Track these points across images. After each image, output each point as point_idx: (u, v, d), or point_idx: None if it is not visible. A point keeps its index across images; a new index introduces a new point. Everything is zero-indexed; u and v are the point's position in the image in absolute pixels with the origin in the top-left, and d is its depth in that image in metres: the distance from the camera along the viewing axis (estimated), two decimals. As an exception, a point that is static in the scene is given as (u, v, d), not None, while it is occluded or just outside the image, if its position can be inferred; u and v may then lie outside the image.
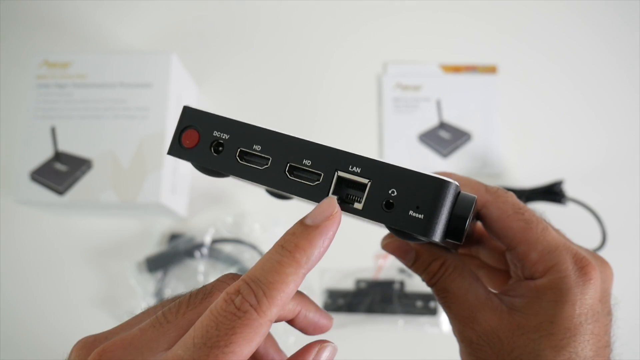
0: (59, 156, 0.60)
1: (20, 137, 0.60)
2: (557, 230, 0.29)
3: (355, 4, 0.77)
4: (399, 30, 0.76)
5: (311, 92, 0.74)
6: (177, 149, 0.24)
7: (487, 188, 0.28)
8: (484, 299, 0.27)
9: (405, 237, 0.22)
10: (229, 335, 0.19)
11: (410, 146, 0.71)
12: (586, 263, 0.26)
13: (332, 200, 0.22)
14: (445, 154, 0.70)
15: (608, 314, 0.27)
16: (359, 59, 0.75)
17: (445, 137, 0.70)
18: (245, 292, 0.20)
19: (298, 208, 0.31)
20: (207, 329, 0.19)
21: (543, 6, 0.76)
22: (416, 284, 0.65)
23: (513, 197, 0.28)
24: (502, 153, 0.70)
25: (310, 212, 0.22)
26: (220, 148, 0.24)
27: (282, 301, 0.20)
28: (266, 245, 0.64)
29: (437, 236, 0.21)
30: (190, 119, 0.25)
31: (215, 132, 0.24)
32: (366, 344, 0.64)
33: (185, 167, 0.66)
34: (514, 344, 0.25)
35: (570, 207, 0.65)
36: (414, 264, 0.29)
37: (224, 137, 0.24)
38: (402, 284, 0.65)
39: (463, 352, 0.28)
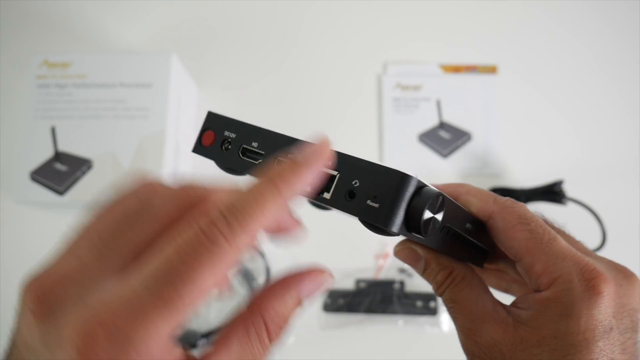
0: (59, 156, 0.60)
1: (20, 137, 0.60)
2: (575, 242, 0.28)
3: (355, 4, 0.77)
4: (399, 30, 0.76)
5: (311, 92, 0.74)
6: (198, 147, 0.28)
7: (495, 199, 0.28)
8: (490, 311, 0.26)
9: (376, 231, 0.23)
10: (194, 267, 0.17)
11: (410, 146, 0.71)
12: (595, 275, 0.24)
13: (326, 141, 0.21)
14: (445, 154, 0.70)
15: (628, 330, 0.25)
16: (359, 59, 0.75)
17: (445, 137, 0.70)
18: (219, 222, 0.18)
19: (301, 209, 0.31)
20: (168, 259, 0.17)
21: (543, 6, 0.76)
22: (416, 284, 0.65)
23: (522, 208, 0.27)
24: (502, 153, 0.70)
25: (304, 150, 0.20)
26: (229, 146, 0.27)
27: (256, 232, 0.19)
28: (266, 245, 0.64)
29: (394, 226, 0.22)
30: (210, 121, 0.28)
31: (225, 132, 0.27)
32: (366, 344, 0.64)
33: (185, 167, 0.66)
34: (515, 359, 0.24)
35: (570, 207, 0.65)
36: (424, 272, 0.29)
37: (231, 136, 0.27)
38: (402, 284, 0.65)
39: None
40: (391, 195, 0.21)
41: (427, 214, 0.22)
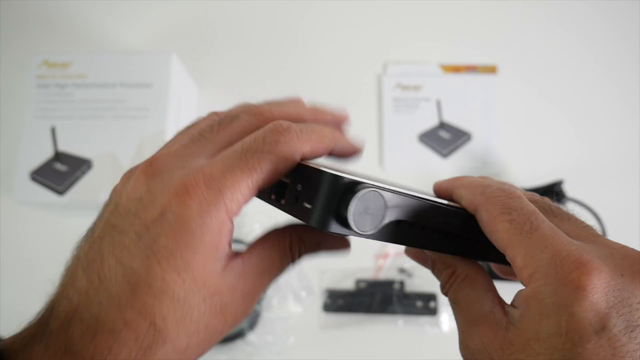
0: (59, 156, 0.60)
1: (21, 137, 0.60)
2: (581, 227, 0.26)
3: (355, 4, 0.77)
4: (399, 31, 0.76)
5: (311, 92, 0.74)
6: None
7: (484, 190, 0.25)
8: (486, 312, 0.24)
9: (332, 233, 0.24)
10: (272, 147, 0.23)
11: (410, 146, 0.71)
12: (577, 266, 0.21)
13: (359, 144, 0.28)
14: (445, 154, 0.70)
15: (628, 330, 0.20)
16: (359, 59, 0.75)
17: (445, 137, 0.70)
18: (294, 126, 0.24)
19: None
20: (255, 139, 0.23)
21: (543, 6, 0.76)
22: (416, 284, 0.65)
23: (510, 197, 0.25)
24: (502, 153, 0.70)
25: (346, 139, 0.28)
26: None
27: (313, 146, 0.24)
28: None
29: (326, 226, 0.22)
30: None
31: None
32: (366, 344, 0.64)
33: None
34: None
35: (570, 207, 0.65)
36: (433, 271, 0.28)
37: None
38: (402, 284, 0.65)
39: None
40: (317, 194, 0.22)
41: (356, 210, 0.22)
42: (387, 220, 0.23)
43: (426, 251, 0.28)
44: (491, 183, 0.26)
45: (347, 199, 0.22)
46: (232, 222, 0.23)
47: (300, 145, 0.24)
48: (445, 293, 0.27)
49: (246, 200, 0.23)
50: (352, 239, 0.27)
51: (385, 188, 0.23)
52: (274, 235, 0.26)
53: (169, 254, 0.21)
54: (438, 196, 0.28)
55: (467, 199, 0.26)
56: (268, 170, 0.23)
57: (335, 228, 0.22)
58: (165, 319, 0.21)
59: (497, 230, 0.24)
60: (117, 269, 0.22)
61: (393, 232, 0.25)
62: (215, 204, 0.22)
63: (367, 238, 0.24)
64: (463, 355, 0.24)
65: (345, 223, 0.22)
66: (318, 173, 0.22)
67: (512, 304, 0.24)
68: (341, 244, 0.28)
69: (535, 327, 0.21)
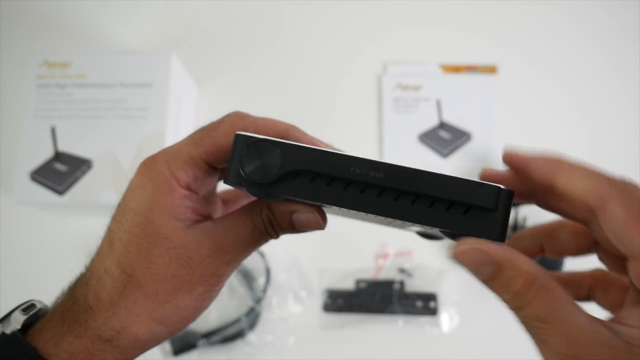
0: (59, 156, 0.60)
1: (20, 137, 0.60)
2: None
3: (355, 4, 0.77)
4: (399, 30, 0.76)
5: (311, 92, 0.74)
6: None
7: (611, 181, 0.23)
8: (590, 331, 0.21)
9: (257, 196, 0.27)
10: (216, 124, 0.27)
11: (410, 146, 0.71)
12: None
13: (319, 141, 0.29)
14: (445, 154, 0.70)
15: None
16: (359, 59, 0.75)
17: (445, 137, 0.70)
18: (242, 112, 0.29)
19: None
20: (210, 122, 0.28)
21: (543, 7, 0.76)
22: (416, 284, 0.65)
23: None
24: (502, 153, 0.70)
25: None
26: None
27: (259, 131, 0.27)
28: (266, 245, 0.64)
29: (233, 181, 0.25)
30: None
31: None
32: (366, 344, 0.64)
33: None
34: None
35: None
36: (494, 280, 0.23)
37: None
38: (402, 284, 0.65)
39: None
40: (232, 154, 0.25)
41: (249, 160, 0.24)
42: (282, 171, 0.24)
43: (492, 252, 0.23)
44: (608, 173, 0.24)
45: (244, 151, 0.24)
46: (187, 189, 0.27)
47: (242, 125, 0.27)
48: (520, 308, 0.22)
49: (193, 171, 0.27)
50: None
51: (280, 142, 0.25)
52: (248, 204, 0.28)
53: (133, 213, 0.27)
54: (512, 167, 0.27)
55: (586, 188, 0.23)
56: (209, 144, 0.27)
57: (240, 181, 0.24)
58: (133, 266, 0.26)
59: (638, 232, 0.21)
60: (106, 233, 0.28)
61: (295, 185, 0.25)
62: (163, 172, 0.26)
63: (269, 192, 0.25)
64: None
65: (243, 174, 0.24)
66: (236, 136, 0.25)
67: (620, 322, 0.21)
68: (312, 215, 0.27)
69: None
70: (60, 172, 0.59)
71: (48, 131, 0.60)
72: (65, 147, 0.60)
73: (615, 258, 0.27)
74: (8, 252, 0.67)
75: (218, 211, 0.33)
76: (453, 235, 0.25)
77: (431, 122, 0.72)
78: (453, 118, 0.71)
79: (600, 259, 0.28)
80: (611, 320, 0.21)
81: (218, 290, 0.28)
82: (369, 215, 0.25)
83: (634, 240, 0.21)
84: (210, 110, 0.72)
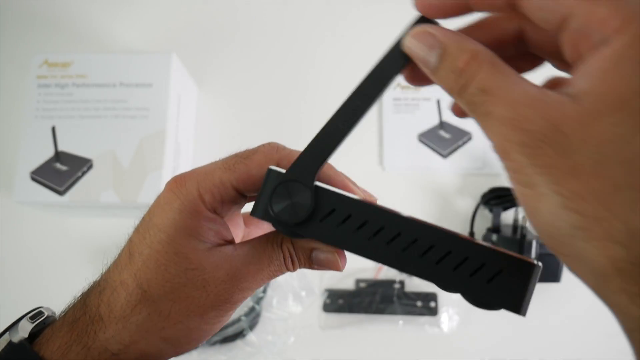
0: (59, 156, 0.60)
1: (21, 137, 0.60)
2: None
3: (354, 4, 0.77)
4: (399, 30, 0.76)
5: (311, 92, 0.74)
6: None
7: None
8: (537, 94, 0.20)
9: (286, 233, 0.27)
10: (250, 153, 0.28)
11: (410, 146, 0.71)
12: None
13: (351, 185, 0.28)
14: (445, 154, 0.70)
15: None
16: (359, 59, 0.75)
17: (446, 137, 0.70)
18: (276, 144, 0.28)
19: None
20: (244, 150, 0.28)
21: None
22: (416, 284, 0.65)
23: None
24: (502, 153, 0.70)
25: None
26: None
27: (290, 161, 0.27)
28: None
29: (261, 214, 0.25)
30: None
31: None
32: (366, 344, 0.64)
33: (185, 167, 0.66)
34: (585, 136, 0.18)
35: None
36: (440, 64, 0.22)
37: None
38: (402, 284, 0.65)
39: (514, 166, 0.20)
40: (262, 187, 0.25)
41: (278, 198, 0.24)
42: (310, 212, 0.24)
43: (438, 35, 0.23)
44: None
45: (275, 189, 0.24)
46: (213, 212, 0.27)
47: (277, 158, 0.27)
48: (463, 88, 0.21)
49: (222, 195, 0.27)
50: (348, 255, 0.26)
51: (312, 185, 0.24)
52: (270, 233, 0.28)
53: (157, 229, 0.26)
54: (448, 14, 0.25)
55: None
56: (242, 171, 0.27)
57: (267, 218, 0.25)
58: (150, 282, 0.26)
59: None
60: (126, 244, 0.28)
61: (321, 229, 0.25)
62: (192, 192, 0.26)
63: (295, 231, 0.25)
64: (518, 142, 0.19)
65: (272, 212, 0.24)
66: (268, 170, 0.25)
67: (563, 86, 0.20)
68: (332, 256, 0.27)
69: (635, 79, 0.17)
70: (61, 172, 0.59)
71: (48, 131, 0.60)
72: (65, 147, 0.60)
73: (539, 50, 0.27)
74: (8, 252, 0.67)
75: (239, 231, 0.33)
76: (478, 303, 0.26)
77: (431, 121, 0.72)
78: (453, 118, 0.71)
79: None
80: (558, 90, 0.20)
81: (229, 316, 0.28)
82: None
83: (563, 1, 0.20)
84: (210, 110, 0.72)
